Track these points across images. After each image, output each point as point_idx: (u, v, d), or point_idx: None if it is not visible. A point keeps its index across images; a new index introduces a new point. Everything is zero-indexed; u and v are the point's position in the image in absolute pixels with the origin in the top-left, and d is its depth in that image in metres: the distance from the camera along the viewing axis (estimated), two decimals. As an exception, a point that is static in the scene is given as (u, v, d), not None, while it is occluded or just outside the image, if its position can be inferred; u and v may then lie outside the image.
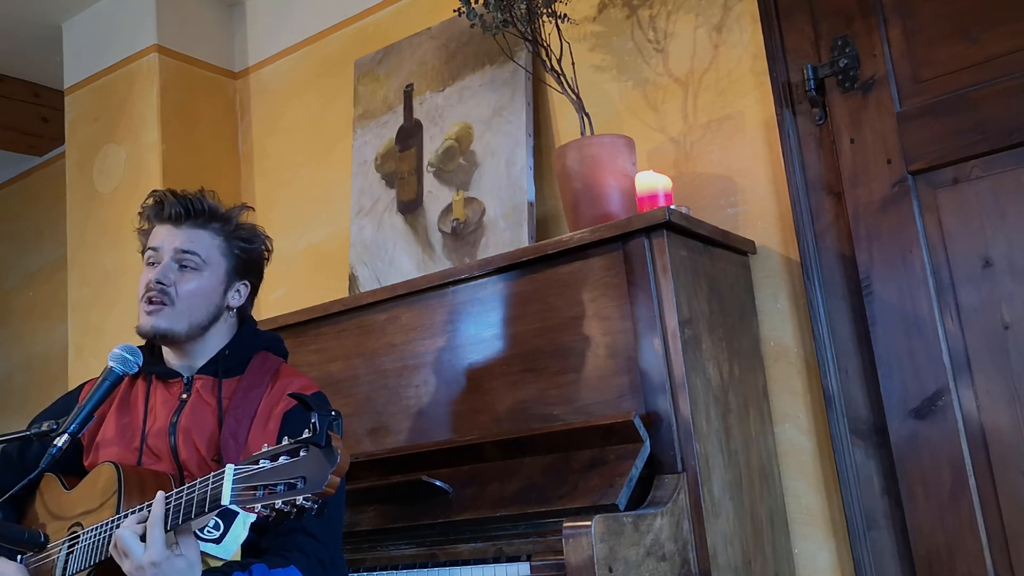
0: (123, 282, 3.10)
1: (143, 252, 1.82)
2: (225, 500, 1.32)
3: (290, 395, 1.58)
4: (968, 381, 1.85)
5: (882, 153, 1.98)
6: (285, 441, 1.32)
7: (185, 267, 1.75)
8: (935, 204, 1.92)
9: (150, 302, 1.73)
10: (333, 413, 1.30)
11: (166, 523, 1.42)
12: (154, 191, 1.85)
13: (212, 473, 1.38)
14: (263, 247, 1.87)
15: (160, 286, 1.73)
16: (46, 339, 4.12)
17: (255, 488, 1.30)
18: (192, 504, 1.39)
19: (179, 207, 1.78)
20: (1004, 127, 1.84)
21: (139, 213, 1.86)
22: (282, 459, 1.30)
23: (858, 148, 2.01)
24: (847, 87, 2.04)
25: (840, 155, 2.03)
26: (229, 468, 1.34)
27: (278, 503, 1.27)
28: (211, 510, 1.36)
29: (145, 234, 1.84)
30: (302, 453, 1.29)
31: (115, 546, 1.45)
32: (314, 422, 1.27)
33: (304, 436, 1.29)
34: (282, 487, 1.28)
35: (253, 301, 1.89)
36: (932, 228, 1.92)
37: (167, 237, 1.77)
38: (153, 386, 1.80)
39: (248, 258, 1.83)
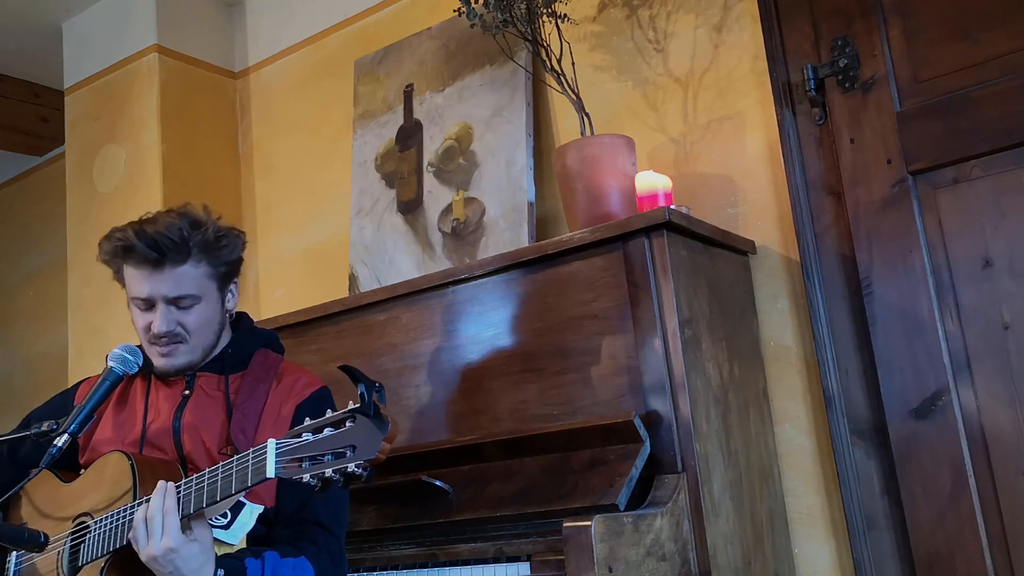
0: (124, 283, 3.09)
1: (118, 280, 1.77)
2: (270, 472, 1.33)
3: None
4: (968, 381, 1.85)
5: (882, 153, 1.98)
6: (329, 413, 1.33)
7: (183, 307, 1.72)
8: (935, 204, 1.92)
9: (162, 345, 1.72)
10: (377, 384, 1.31)
11: (203, 500, 1.44)
12: (115, 231, 1.72)
13: (252, 448, 1.39)
14: (241, 245, 1.82)
15: (169, 334, 1.71)
16: (47, 339, 4.11)
17: (300, 460, 1.31)
18: (231, 478, 1.41)
19: (152, 252, 1.66)
20: (1004, 127, 1.84)
21: (100, 246, 1.74)
22: (327, 431, 1.32)
23: (858, 148, 2.01)
24: (847, 87, 2.04)
25: (840, 155, 2.03)
26: (271, 443, 1.35)
27: (327, 472, 1.29)
28: (254, 483, 1.38)
29: (113, 265, 1.76)
30: (348, 424, 1.31)
31: (133, 532, 1.48)
32: (361, 392, 1.29)
33: (350, 407, 1.31)
34: (329, 456, 1.29)
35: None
36: (932, 228, 1.92)
37: (152, 286, 1.69)
38: (153, 384, 1.81)
39: (231, 266, 1.80)
